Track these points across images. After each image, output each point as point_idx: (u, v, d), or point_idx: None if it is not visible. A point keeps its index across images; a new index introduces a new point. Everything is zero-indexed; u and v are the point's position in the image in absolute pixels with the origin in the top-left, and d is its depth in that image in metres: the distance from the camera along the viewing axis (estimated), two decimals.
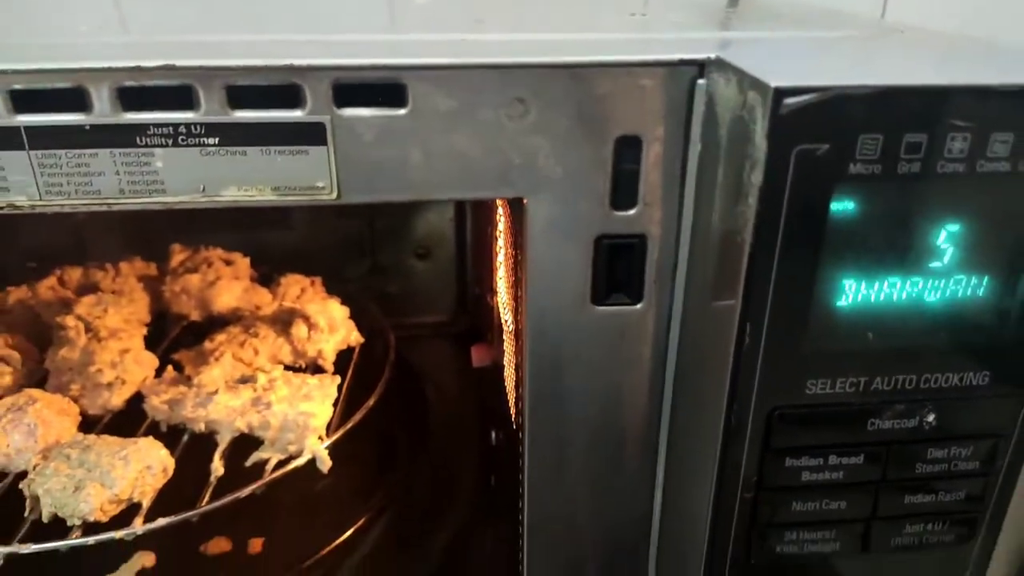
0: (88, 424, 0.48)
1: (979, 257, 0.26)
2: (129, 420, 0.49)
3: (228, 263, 0.63)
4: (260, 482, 0.43)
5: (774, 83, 0.23)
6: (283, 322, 0.55)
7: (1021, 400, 0.28)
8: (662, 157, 0.29)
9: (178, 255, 0.64)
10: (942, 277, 0.26)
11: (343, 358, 0.56)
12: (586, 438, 0.34)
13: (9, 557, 0.39)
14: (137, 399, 0.50)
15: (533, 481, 0.35)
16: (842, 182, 0.24)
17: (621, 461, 0.34)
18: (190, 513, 0.41)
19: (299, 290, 0.61)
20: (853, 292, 0.26)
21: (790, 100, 0.22)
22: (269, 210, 0.76)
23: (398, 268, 0.80)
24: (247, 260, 0.65)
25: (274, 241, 0.75)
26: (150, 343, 0.56)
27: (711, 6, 0.48)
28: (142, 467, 0.41)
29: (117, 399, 0.48)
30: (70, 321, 0.52)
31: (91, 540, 0.40)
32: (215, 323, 0.59)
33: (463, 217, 0.79)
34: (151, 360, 0.51)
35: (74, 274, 0.62)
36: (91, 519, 0.40)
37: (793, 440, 0.28)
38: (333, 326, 0.54)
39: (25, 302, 0.58)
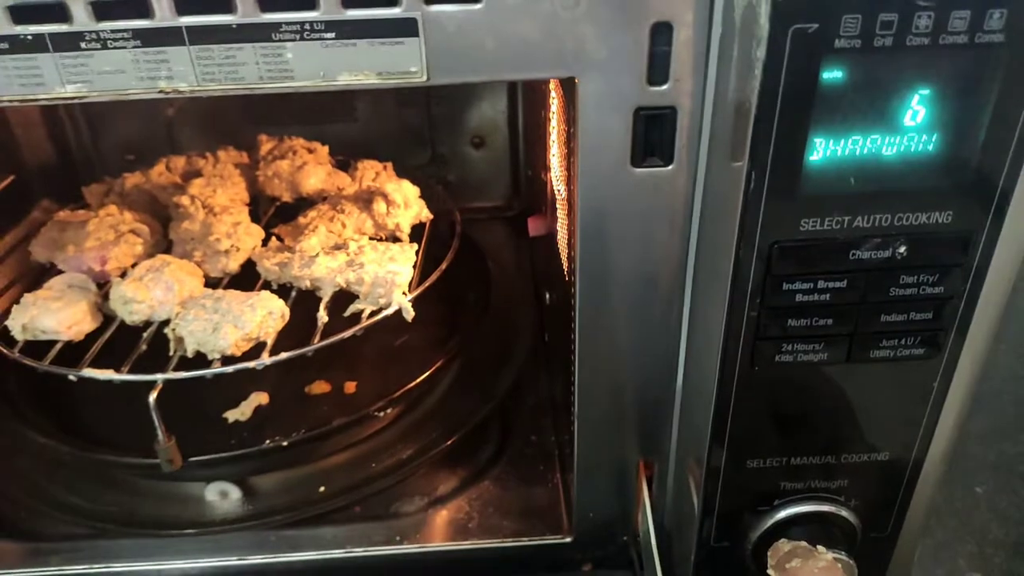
0: (210, 285, 0.57)
1: (944, 115, 0.32)
2: (244, 281, 0.58)
3: (310, 151, 0.71)
4: (359, 326, 0.52)
5: None
6: (364, 200, 0.63)
7: (979, 235, 0.34)
8: (691, 40, 0.35)
9: (266, 144, 0.72)
10: (913, 132, 0.32)
11: (416, 232, 0.64)
12: (627, 279, 0.41)
13: (166, 383, 0.49)
14: (249, 264, 0.59)
15: (583, 318, 0.43)
16: (829, 54, 0.30)
17: (655, 299, 0.42)
18: (306, 349, 0.50)
19: (374, 174, 0.68)
20: (840, 147, 0.32)
21: None
22: (336, 104, 0.83)
23: (456, 157, 0.88)
24: (326, 148, 0.73)
25: (341, 132, 0.82)
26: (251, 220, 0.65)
27: None
28: (265, 312, 0.51)
29: (233, 263, 0.58)
30: (186, 200, 0.61)
31: (230, 368, 0.50)
32: (303, 203, 0.67)
33: (515, 108, 0.85)
34: (258, 231, 0.60)
35: (179, 162, 0.71)
36: (228, 353, 0.50)
37: (789, 268, 0.35)
38: (408, 202, 0.62)
39: (140, 186, 0.67)
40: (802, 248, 0.34)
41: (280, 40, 0.34)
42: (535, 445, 0.60)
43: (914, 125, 0.32)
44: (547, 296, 0.67)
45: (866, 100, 0.31)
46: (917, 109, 0.31)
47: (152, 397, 0.48)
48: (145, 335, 0.53)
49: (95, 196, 0.67)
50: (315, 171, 0.66)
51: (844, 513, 0.43)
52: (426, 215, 0.65)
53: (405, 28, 0.34)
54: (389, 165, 0.70)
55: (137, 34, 0.34)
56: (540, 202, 0.71)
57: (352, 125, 0.84)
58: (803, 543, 0.40)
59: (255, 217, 0.66)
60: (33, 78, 0.35)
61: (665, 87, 0.36)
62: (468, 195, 0.88)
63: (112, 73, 0.35)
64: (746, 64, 0.31)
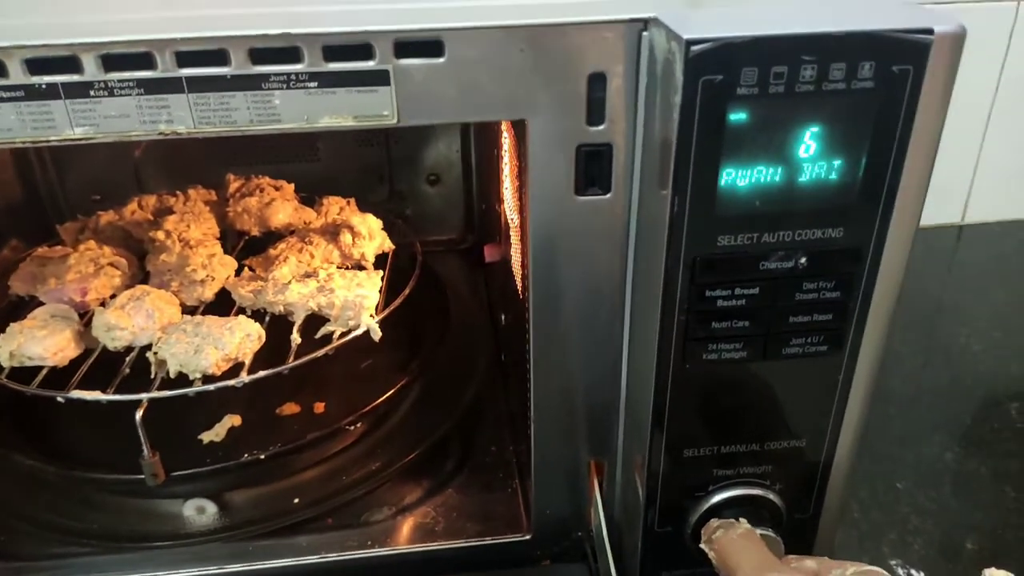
0: (187, 312, 0.61)
1: (830, 148, 0.38)
2: (218, 309, 0.62)
3: (277, 188, 0.75)
4: (331, 345, 0.56)
5: (686, 36, 0.35)
6: (331, 232, 0.68)
7: (867, 248, 0.41)
8: (622, 87, 0.41)
9: (234, 183, 0.76)
10: (806, 163, 0.38)
11: (379, 262, 0.69)
12: (574, 294, 0.47)
13: (150, 402, 0.53)
14: (222, 293, 0.63)
15: (537, 333, 0.48)
16: (733, 100, 0.36)
17: (600, 311, 0.47)
18: (283, 367, 0.54)
19: (339, 208, 0.73)
20: (746, 175, 0.38)
21: (695, 47, 0.35)
22: (299, 144, 0.88)
23: (413, 193, 0.93)
24: (292, 185, 0.77)
25: (304, 171, 0.87)
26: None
27: None
28: (244, 334, 0.55)
29: (209, 292, 0.62)
30: (162, 234, 0.65)
31: (212, 387, 0.53)
32: (271, 237, 0.72)
33: (468, 148, 0.91)
34: (232, 262, 0.64)
35: (150, 200, 0.74)
36: (209, 372, 0.54)
37: (709, 278, 0.41)
38: (372, 234, 0.67)
39: (114, 223, 0.71)
40: (719, 261, 0.40)
41: (269, 88, 0.40)
42: (494, 455, 0.65)
43: (806, 156, 0.38)
44: (502, 318, 0.72)
45: (766, 136, 0.38)
46: (808, 143, 0.38)
47: (138, 415, 0.51)
48: (128, 360, 0.56)
49: (70, 234, 0.70)
50: (283, 206, 0.71)
51: (771, 496, 0.48)
52: (389, 246, 0.70)
53: (378, 78, 0.40)
54: (352, 201, 0.75)
55: (141, 83, 0.39)
56: (494, 232, 0.77)
57: (315, 164, 0.89)
58: (731, 520, 0.46)
59: (225, 251, 0.70)
60: (45, 122, 0.39)
61: (602, 127, 0.42)
62: (425, 229, 0.93)
63: (117, 117, 0.39)
64: (667, 108, 0.38)
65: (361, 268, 0.66)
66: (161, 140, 0.40)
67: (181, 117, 0.40)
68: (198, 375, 0.54)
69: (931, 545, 0.64)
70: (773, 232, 0.40)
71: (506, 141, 0.61)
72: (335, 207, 0.73)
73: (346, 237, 0.66)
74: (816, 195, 0.39)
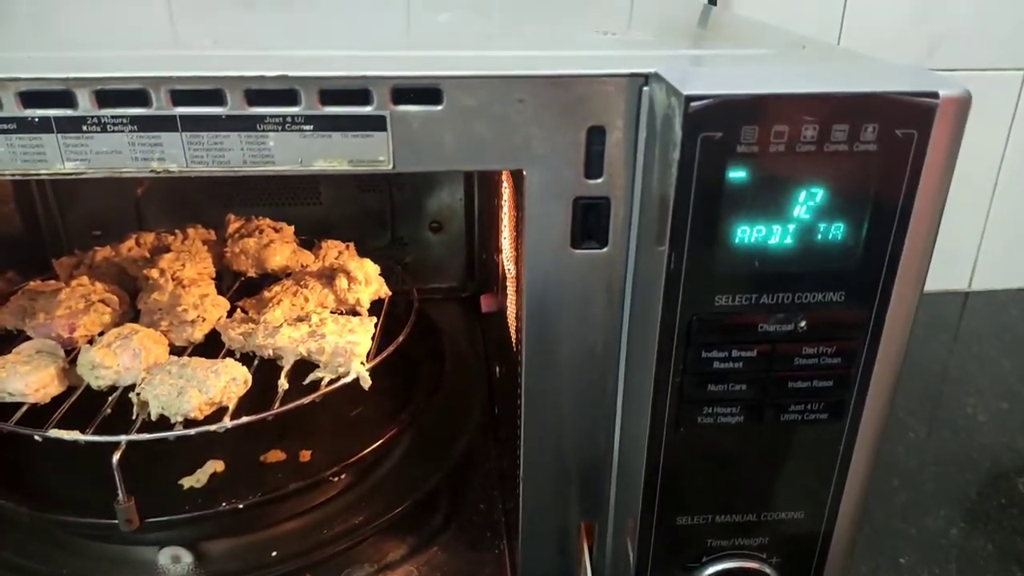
0: (175, 353, 0.60)
1: (831, 210, 0.37)
2: (208, 350, 0.61)
3: (276, 230, 0.75)
4: (318, 392, 0.55)
5: (685, 92, 0.34)
6: (327, 276, 0.67)
7: (869, 313, 0.40)
8: (621, 141, 0.40)
9: (234, 223, 0.76)
10: (806, 224, 0.37)
11: (375, 308, 0.68)
12: (568, 349, 0.46)
13: (129, 445, 0.51)
14: (214, 334, 0.62)
15: (529, 387, 0.47)
16: (733, 157, 0.36)
17: (594, 367, 0.46)
18: (267, 413, 0.53)
19: (337, 252, 0.73)
20: (745, 234, 0.38)
21: (695, 104, 0.34)
22: (302, 188, 0.88)
23: (415, 240, 0.93)
24: (291, 228, 0.77)
25: (306, 214, 0.87)
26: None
27: (678, 21, 0.60)
28: (229, 378, 0.54)
29: (199, 333, 0.61)
30: (156, 272, 0.64)
31: (192, 431, 0.52)
32: (268, 279, 0.71)
33: (472, 197, 0.91)
34: (224, 303, 0.64)
35: (148, 237, 0.74)
36: (191, 416, 0.52)
37: (706, 339, 0.40)
38: (368, 279, 0.66)
39: (110, 259, 0.70)
40: (717, 321, 0.39)
41: (264, 130, 0.39)
42: (483, 513, 0.63)
43: (807, 218, 0.37)
44: (497, 370, 0.71)
45: (766, 195, 0.37)
46: (809, 204, 0.37)
47: (115, 457, 0.50)
48: (110, 399, 0.55)
49: (65, 268, 0.69)
50: (281, 249, 0.70)
51: (767, 570, 0.46)
52: (385, 292, 0.69)
53: (375, 123, 0.39)
54: (351, 245, 0.75)
55: (135, 120, 0.38)
56: (492, 282, 0.76)
57: (317, 208, 0.89)
58: None
59: (220, 291, 0.70)
60: (36, 155, 0.39)
61: (600, 180, 0.41)
62: (425, 276, 0.93)
63: (109, 153, 0.39)
64: (665, 163, 0.37)
65: (356, 314, 0.65)
66: (163, 178, 0.40)
67: (174, 155, 0.39)
68: (180, 418, 0.52)
69: None
70: (772, 294, 0.39)
71: (505, 191, 0.61)
72: (333, 251, 0.73)
73: (342, 282, 0.65)
74: (817, 257, 0.38)
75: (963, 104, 0.36)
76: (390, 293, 0.69)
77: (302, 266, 0.71)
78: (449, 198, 0.92)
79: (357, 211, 0.89)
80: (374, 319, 0.62)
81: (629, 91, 0.39)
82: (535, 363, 0.46)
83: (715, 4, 0.85)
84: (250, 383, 0.55)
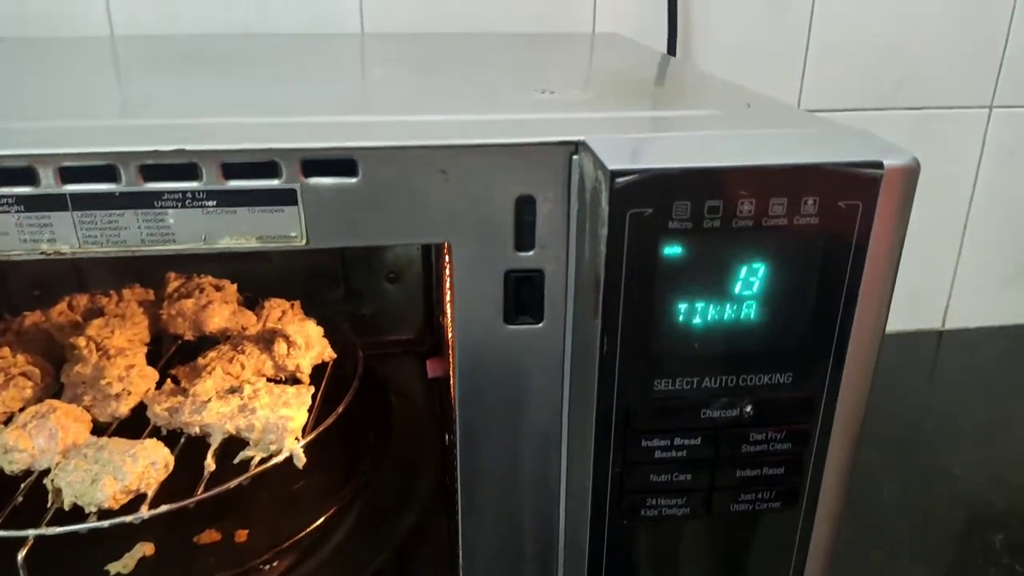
0: (99, 430, 0.56)
1: (775, 286, 0.35)
2: (134, 426, 0.57)
3: (218, 288, 0.71)
4: (246, 475, 0.51)
5: (611, 167, 0.32)
6: (266, 340, 0.63)
7: (820, 393, 0.37)
8: (552, 212, 0.38)
9: (173, 282, 0.72)
10: (747, 301, 0.35)
11: (319, 371, 0.65)
12: (506, 431, 0.42)
13: (38, 538, 0.47)
14: (140, 408, 0.58)
15: (466, 475, 0.44)
16: (665, 234, 0.33)
17: (534, 451, 0.43)
18: (187, 501, 0.49)
19: (280, 312, 0.69)
20: (683, 313, 0.35)
21: (620, 180, 0.32)
22: None
23: (371, 291, 0.89)
24: (234, 286, 0.73)
25: (254, 271, 0.84)
26: (150, 360, 0.64)
27: (628, 76, 0.58)
28: (147, 463, 0.50)
29: (124, 408, 0.57)
30: (82, 341, 0.60)
31: (106, 523, 0.48)
32: (207, 341, 0.67)
33: (429, 246, 0.88)
34: (153, 374, 0.60)
35: (82, 300, 0.70)
36: (105, 506, 0.48)
37: (646, 426, 0.37)
38: (309, 343, 0.63)
39: (39, 325, 0.66)
40: (656, 407, 0.36)
41: (162, 207, 0.36)
42: None
43: (748, 294, 0.35)
44: (447, 437, 0.67)
45: (703, 272, 0.34)
46: (749, 280, 0.35)
47: (21, 555, 0.46)
48: (23, 486, 0.51)
49: None
50: (219, 310, 0.67)
51: None
52: (329, 354, 0.65)
53: (285, 197, 0.36)
54: (296, 304, 0.72)
55: (21, 200, 0.35)
56: (443, 342, 0.73)
57: (268, 264, 0.86)
58: None
59: (158, 355, 0.66)
60: None
61: (531, 252, 0.38)
62: (384, 329, 0.89)
63: None
64: (595, 239, 0.34)
65: (297, 381, 0.62)
66: None
67: (65, 236, 0.36)
68: (94, 508, 0.48)
69: None
70: (715, 376, 0.36)
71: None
72: (277, 311, 0.69)
73: (280, 347, 0.61)
74: (761, 337, 0.36)
75: (910, 173, 0.33)
76: (335, 356, 0.65)
77: (242, 328, 0.67)
78: (405, 247, 0.88)
79: (309, 264, 0.86)
80: (312, 389, 0.58)
81: (559, 159, 0.37)
82: (470, 445, 0.43)
83: (674, 55, 0.83)
84: (171, 467, 0.51)
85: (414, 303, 0.91)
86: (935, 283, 1.08)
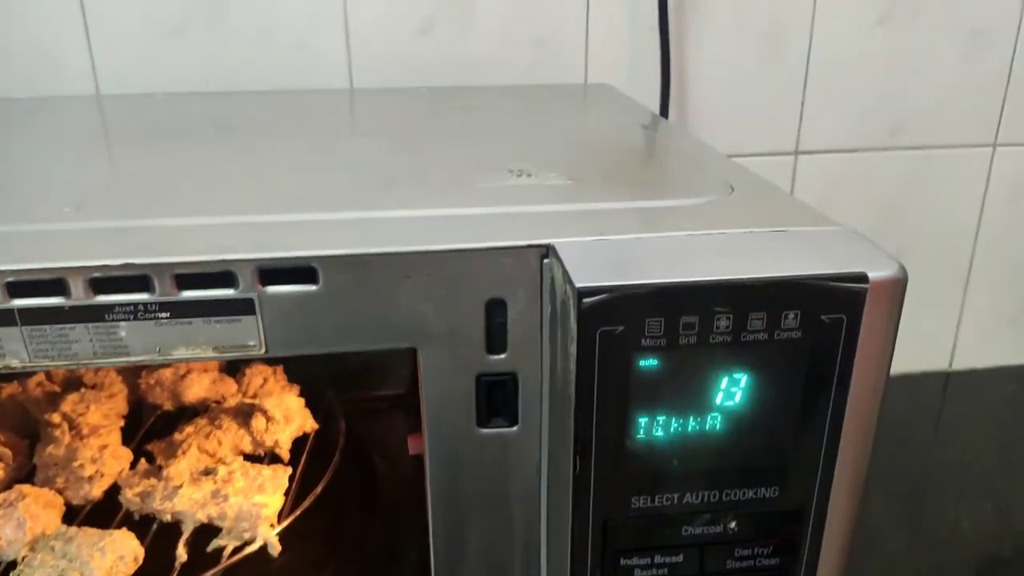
0: (71, 512, 0.54)
1: (757, 400, 0.33)
2: (107, 508, 0.55)
3: None
4: (217, 568, 0.49)
5: (578, 284, 0.30)
6: (245, 414, 0.62)
7: (808, 506, 0.35)
8: (523, 313, 0.36)
9: None
10: (727, 417, 0.33)
11: (300, 442, 0.63)
12: (481, 536, 0.41)
13: None
14: (115, 489, 0.57)
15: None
16: (638, 351, 0.31)
17: (513, 559, 0.41)
18: None
19: (262, 380, 0.68)
20: (660, 428, 0.33)
21: (588, 299, 0.30)
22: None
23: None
24: None
25: None
26: (127, 430, 0.63)
27: (612, 148, 0.56)
28: (116, 557, 0.48)
29: (97, 490, 0.55)
30: (56, 419, 0.59)
31: None
32: (186, 411, 0.66)
33: None
34: (127, 455, 0.58)
35: (60, 370, 0.69)
36: None
37: (624, 543, 0.35)
38: (289, 417, 0.61)
39: (16, 397, 0.65)
40: (634, 525, 0.34)
41: (113, 320, 0.34)
42: None
43: (729, 407, 0.33)
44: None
45: (680, 387, 0.32)
46: (729, 393, 0.33)
47: None
48: None
49: None
50: (198, 380, 0.65)
51: None
52: (311, 425, 0.63)
53: (241, 307, 0.35)
54: (279, 369, 0.70)
55: None
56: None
57: None
58: None
59: (136, 424, 0.64)
60: None
61: (503, 356, 0.37)
62: (370, 383, 0.87)
63: None
64: (565, 353, 0.33)
65: (275, 456, 0.60)
66: None
67: (15, 351, 0.35)
68: None
69: None
70: (696, 492, 0.34)
71: None
72: (258, 378, 0.67)
73: (259, 422, 0.59)
74: (744, 451, 0.34)
75: (896, 285, 0.32)
76: (316, 427, 0.64)
77: (222, 397, 0.65)
78: None
79: None
80: (289, 469, 0.57)
81: (530, 261, 0.35)
82: (445, 552, 0.41)
83: (667, 117, 0.82)
84: (140, 560, 0.49)
85: (402, 357, 0.89)
86: (941, 324, 1.06)
